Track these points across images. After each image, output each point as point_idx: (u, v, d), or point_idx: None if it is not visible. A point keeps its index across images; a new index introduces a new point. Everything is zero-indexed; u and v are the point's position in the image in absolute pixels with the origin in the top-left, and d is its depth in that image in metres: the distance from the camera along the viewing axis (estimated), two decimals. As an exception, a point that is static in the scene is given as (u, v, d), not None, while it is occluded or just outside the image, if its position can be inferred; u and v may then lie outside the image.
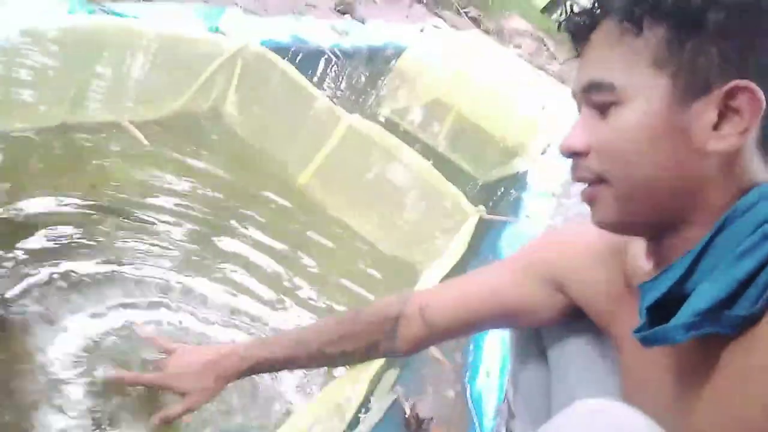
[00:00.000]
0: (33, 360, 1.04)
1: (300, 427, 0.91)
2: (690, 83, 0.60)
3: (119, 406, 1.03)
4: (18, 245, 1.24)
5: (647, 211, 0.65)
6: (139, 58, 1.85)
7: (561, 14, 0.72)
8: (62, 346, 1.08)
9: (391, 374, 1.40)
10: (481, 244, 2.19)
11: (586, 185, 0.68)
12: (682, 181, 0.62)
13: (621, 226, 0.69)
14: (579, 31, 0.68)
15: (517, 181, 3.12)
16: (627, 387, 0.80)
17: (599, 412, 0.61)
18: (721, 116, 0.59)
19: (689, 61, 0.60)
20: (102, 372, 1.06)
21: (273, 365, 0.98)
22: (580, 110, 0.68)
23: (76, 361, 1.07)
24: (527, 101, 3.75)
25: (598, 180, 0.66)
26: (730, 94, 0.58)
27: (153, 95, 1.91)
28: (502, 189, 3.09)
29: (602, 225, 0.69)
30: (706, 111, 0.60)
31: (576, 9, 0.69)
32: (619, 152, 0.63)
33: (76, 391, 1.02)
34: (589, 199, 0.68)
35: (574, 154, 0.67)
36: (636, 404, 0.77)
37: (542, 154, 3.25)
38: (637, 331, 0.63)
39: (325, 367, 1.29)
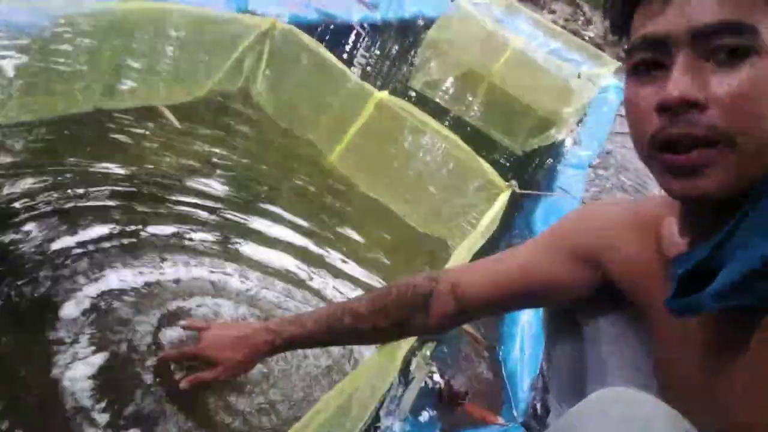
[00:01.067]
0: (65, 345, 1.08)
1: (336, 402, 0.92)
2: None
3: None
4: (56, 231, 1.28)
5: (755, 180, 0.56)
6: (170, 40, 1.86)
7: None
8: (91, 327, 1.11)
9: (428, 348, 1.41)
10: (515, 219, 2.17)
11: (685, 150, 0.58)
12: None
13: (730, 196, 0.58)
14: None
15: (553, 151, 3.07)
16: (659, 360, 0.79)
17: (618, 401, 0.61)
18: None
19: None
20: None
21: (305, 341, 0.99)
22: (672, 55, 0.58)
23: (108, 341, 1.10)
24: (562, 69, 3.66)
25: (716, 139, 0.56)
26: None
27: (184, 77, 1.93)
28: (537, 160, 3.05)
29: (708, 196, 0.58)
30: None
31: None
32: (754, 107, 0.55)
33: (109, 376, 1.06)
34: (704, 162, 0.57)
35: (690, 106, 0.56)
36: (668, 377, 0.76)
37: (578, 124, 3.18)
38: (669, 301, 0.61)
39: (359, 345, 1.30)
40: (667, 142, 0.59)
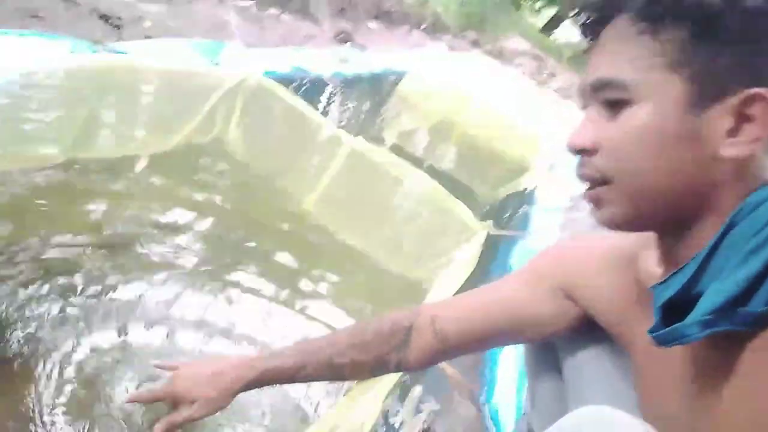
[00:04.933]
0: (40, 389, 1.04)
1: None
2: (705, 88, 0.59)
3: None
4: (28, 281, 1.26)
5: (653, 212, 0.64)
6: (142, 94, 1.88)
7: (569, 13, 0.74)
8: (72, 375, 1.10)
9: (416, 391, 1.39)
10: (491, 262, 2.17)
11: (588, 187, 0.67)
12: (691, 185, 0.61)
13: (627, 225, 0.68)
14: (589, 26, 0.67)
15: (525, 197, 3.10)
16: (642, 393, 0.78)
17: (594, 419, 0.61)
18: (736, 123, 0.59)
19: (706, 66, 0.59)
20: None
21: (281, 375, 0.96)
22: (585, 107, 0.67)
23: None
24: (530, 118, 3.76)
25: (603, 180, 0.64)
26: (746, 102, 0.58)
27: (157, 130, 1.94)
28: (511, 206, 3.08)
29: (609, 224, 0.67)
30: (721, 117, 0.59)
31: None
32: (627, 152, 0.62)
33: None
34: (594, 201, 0.67)
35: (582, 152, 0.65)
36: (652, 410, 0.75)
37: (549, 170, 3.24)
38: (652, 331, 0.62)
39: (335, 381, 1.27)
40: (580, 180, 0.68)
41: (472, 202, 2.92)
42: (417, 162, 3.16)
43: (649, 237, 0.74)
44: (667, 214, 0.64)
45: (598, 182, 0.65)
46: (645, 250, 0.76)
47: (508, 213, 2.99)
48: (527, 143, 3.63)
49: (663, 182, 0.62)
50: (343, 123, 3.19)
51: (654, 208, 0.64)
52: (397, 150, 3.20)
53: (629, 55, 0.62)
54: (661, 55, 0.60)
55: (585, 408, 0.64)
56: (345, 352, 0.93)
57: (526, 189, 3.18)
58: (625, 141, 0.62)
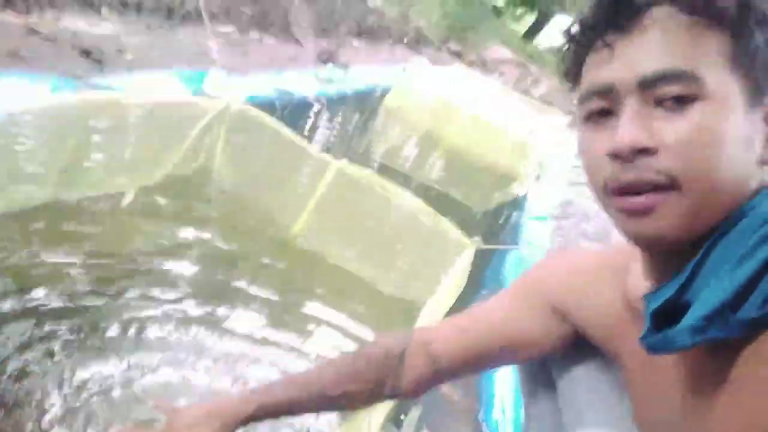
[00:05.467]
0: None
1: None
2: (757, 88, 0.57)
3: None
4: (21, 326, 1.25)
5: (709, 221, 0.57)
6: (126, 128, 1.88)
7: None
8: (71, 405, 1.11)
9: (414, 413, 1.38)
10: (485, 274, 2.17)
11: (638, 192, 0.58)
12: (741, 190, 0.57)
13: (676, 236, 0.59)
14: (618, 17, 0.60)
15: (516, 205, 3.12)
16: (636, 405, 0.78)
17: None
18: None
19: (762, 63, 0.57)
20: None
21: (276, 410, 0.95)
22: (618, 104, 0.60)
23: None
24: (515, 127, 3.79)
25: (667, 184, 0.57)
26: None
27: (142, 163, 1.93)
28: (503, 216, 3.09)
29: (656, 236, 0.59)
30: (762, 121, 0.57)
31: None
32: (699, 152, 0.56)
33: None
34: (651, 207, 0.58)
35: (640, 152, 0.58)
36: (647, 420, 0.75)
37: (537, 179, 3.26)
38: (643, 338, 0.61)
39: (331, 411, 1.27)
40: (620, 187, 0.59)
41: (462, 214, 2.94)
42: (405, 179, 3.17)
43: (635, 252, 0.73)
44: (711, 224, 0.57)
45: (658, 187, 0.58)
46: (632, 263, 0.76)
47: (499, 222, 3.00)
48: (514, 151, 3.65)
49: (728, 187, 0.57)
50: (330, 143, 3.20)
51: (710, 217, 0.57)
52: (385, 169, 3.21)
53: (689, 47, 0.57)
54: (719, 50, 0.57)
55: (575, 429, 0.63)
56: (338, 383, 0.92)
57: (515, 197, 3.19)
58: (696, 139, 0.56)
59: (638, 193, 0.58)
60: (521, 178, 3.44)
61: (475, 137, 3.84)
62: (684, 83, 0.57)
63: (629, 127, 0.58)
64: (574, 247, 2.48)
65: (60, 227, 1.63)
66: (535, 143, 3.61)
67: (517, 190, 3.31)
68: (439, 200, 3.00)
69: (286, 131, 1.99)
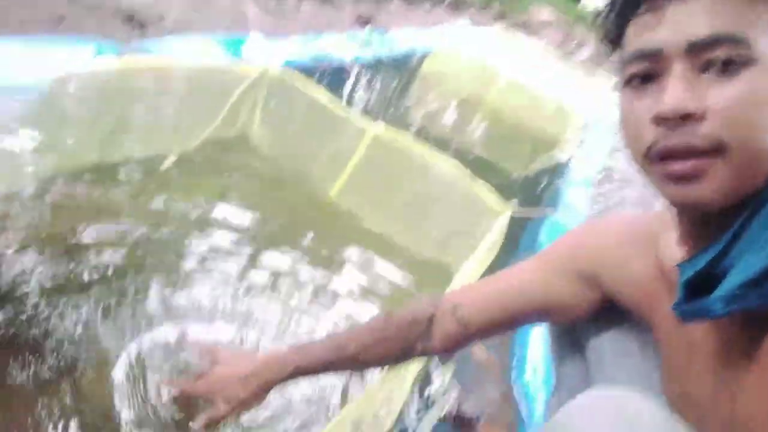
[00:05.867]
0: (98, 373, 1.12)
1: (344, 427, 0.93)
2: None
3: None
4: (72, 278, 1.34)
5: (752, 188, 0.57)
6: (167, 92, 1.92)
7: None
8: (120, 357, 1.19)
9: (446, 373, 1.41)
10: (520, 240, 2.16)
11: (684, 158, 0.58)
12: None
13: (723, 202, 0.59)
14: None
15: (556, 171, 3.07)
16: (665, 373, 0.78)
17: (608, 398, 0.60)
18: None
19: None
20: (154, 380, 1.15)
21: (311, 370, 1.00)
22: (664, 68, 0.59)
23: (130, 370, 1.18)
24: (558, 91, 3.70)
25: (715, 149, 0.57)
26: None
27: (183, 127, 1.98)
28: (542, 181, 3.05)
29: (705, 201, 0.59)
30: None
31: None
32: (750, 118, 0.56)
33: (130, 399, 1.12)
34: (697, 172, 0.58)
35: (686, 117, 0.57)
36: (675, 389, 0.75)
37: (579, 144, 3.19)
38: (676, 306, 0.61)
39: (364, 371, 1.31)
40: (665, 153, 0.59)
41: (501, 179, 2.92)
42: (444, 143, 3.15)
43: (669, 219, 0.73)
44: (752, 192, 0.57)
45: (705, 152, 0.57)
46: (665, 230, 0.75)
47: (538, 188, 2.96)
48: (557, 116, 3.57)
49: None
50: (368, 108, 3.19)
51: (755, 184, 0.57)
52: (424, 133, 3.19)
53: (739, 12, 0.56)
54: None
55: (597, 388, 0.64)
56: (370, 346, 0.95)
57: (556, 163, 3.14)
58: (745, 105, 0.56)
59: (683, 158, 0.58)
60: (563, 144, 3.37)
61: (517, 101, 3.77)
62: (733, 48, 0.56)
63: (676, 92, 0.57)
64: (614, 213, 2.44)
65: (104, 189, 1.70)
66: (578, 108, 3.52)
67: (558, 155, 3.25)
68: (478, 165, 2.97)
69: (324, 95, 2.00)
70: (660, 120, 0.58)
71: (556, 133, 3.48)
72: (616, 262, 0.82)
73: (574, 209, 2.36)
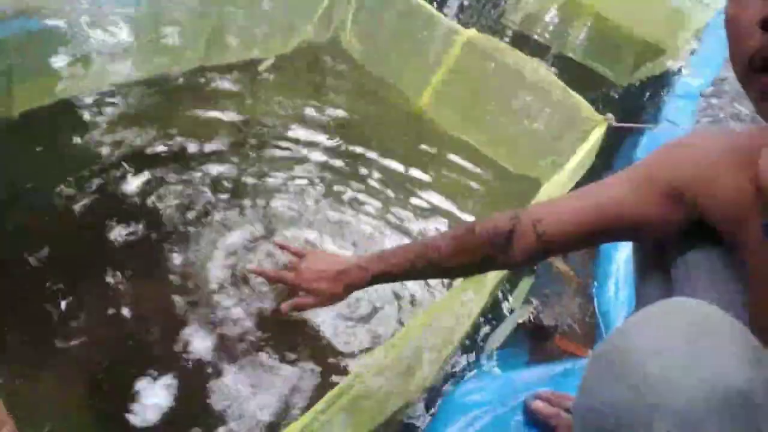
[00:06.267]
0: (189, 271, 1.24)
1: (417, 332, 0.99)
2: None
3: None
4: (171, 175, 1.45)
5: None
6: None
7: None
8: (214, 257, 1.30)
9: (526, 283, 1.43)
10: (616, 154, 2.08)
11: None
12: None
13: None
14: None
15: (662, 81, 2.86)
16: (753, 298, 0.77)
17: (682, 306, 0.61)
18: None
19: None
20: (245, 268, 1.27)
21: (393, 277, 1.05)
22: None
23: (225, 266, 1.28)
24: (674, -9, 3.37)
25: None
26: None
27: (277, 31, 2.00)
28: (648, 91, 2.86)
29: None
30: None
31: None
32: None
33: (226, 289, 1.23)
34: None
35: None
36: (761, 311, 0.74)
37: (691, 53, 2.93)
38: (766, 226, 0.60)
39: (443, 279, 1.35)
40: None
41: (603, 88, 2.77)
42: (542, 49, 3.00)
43: None
44: None
45: None
46: (765, 149, 0.72)
47: (642, 99, 2.79)
48: (669, 21, 3.28)
49: None
50: (462, 11, 3.07)
51: None
52: (522, 38, 3.05)
53: None
54: None
55: (672, 299, 0.65)
56: (451, 255, 0.98)
57: (663, 73, 2.92)
58: None
59: None
60: (674, 51, 3.11)
61: (625, 4, 3.48)
62: None
63: None
64: (722, 128, 2.28)
65: (204, 93, 1.78)
66: (692, 12, 3.21)
67: (666, 64, 3.01)
68: (577, 72, 2.83)
69: (419, 1, 1.95)
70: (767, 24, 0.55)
71: (666, 39, 3.21)
72: (710, 176, 0.79)
73: (678, 122, 2.22)
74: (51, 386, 1.01)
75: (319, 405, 0.81)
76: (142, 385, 1.04)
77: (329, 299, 1.09)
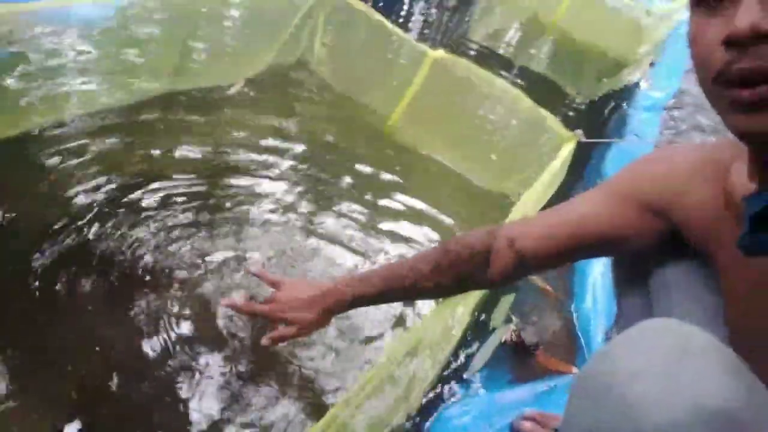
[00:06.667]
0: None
1: (402, 354, 0.97)
2: None
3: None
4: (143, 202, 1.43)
5: None
6: (229, 20, 1.92)
7: None
8: (185, 283, 1.26)
9: (506, 302, 1.43)
10: (585, 168, 2.11)
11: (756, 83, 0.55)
12: None
13: None
14: None
15: (625, 95, 2.93)
16: (729, 308, 0.78)
17: (662, 328, 0.61)
18: None
19: None
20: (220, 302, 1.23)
21: (372, 299, 1.03)
22: None
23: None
24: (630, 7, 3.47)
25: None
26: None
27: (244, 55, 1.99)
28: (609, 106, 2.93)
29: None
30: None
31: None
32: None
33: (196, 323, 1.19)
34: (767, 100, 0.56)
35: (758, 39, 0.54)
36: (739, 325, 0.75)
37: (651, 65, 3.00)
38: (740, 240, 0.60)
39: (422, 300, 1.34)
40: (734, 77, 0.56)
41: (566, 102, 2.82)
42: (507, 64, 3.04)
43: (742, 150, 0.70)
44: None
45: None
46: (736, 161, 0.73)
47: (605, 112, 2.85)
48: (628, 35, 3.37)
49: None
50: (426, 28, 3.10)
51: None
52: (486, 52, 3.09)
53: None
54: None
55: (652, 320, 0.65)
56: (428, 276, 0.97)
57: (626, 85, 2.99)
58: None
59: (753, 84, 0.55)
60: (634, 65, 3.19)
61: (586, 19, 3.56)
62: None
63: (752, 10, 0.54)
64: (686, 140, 2.33)
65: (174, 118, 1.76)
66: (652, 26, 3.30)
67: (628, 77, 3.09)
68: (542, 87, 2.88)
69: (384, 21, 1.96)
70: (730, 42, 0.55)
71: (626, 53, 3.30)
72: (683, 190, 0.79)
73: (643, 136, 2.26)
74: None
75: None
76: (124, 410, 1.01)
77: (309, 327, 1.06)
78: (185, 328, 1.19)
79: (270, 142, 1.79)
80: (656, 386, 0.55)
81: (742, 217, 0.61)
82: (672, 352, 0.58)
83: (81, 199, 1.38)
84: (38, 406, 1.00)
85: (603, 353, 0.63)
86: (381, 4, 2.29)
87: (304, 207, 1.59)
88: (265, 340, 1.06)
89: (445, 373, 1.23)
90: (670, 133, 2.39)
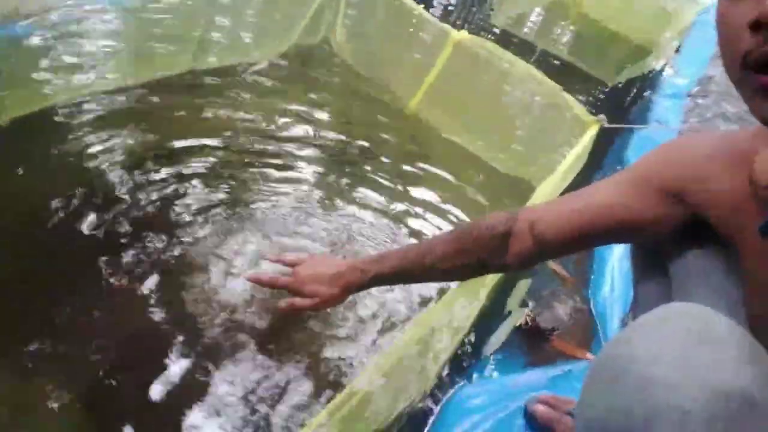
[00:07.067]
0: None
1: (418, 335, 0.98)
2: None
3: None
4: (163, 182, 1.44)
5: None
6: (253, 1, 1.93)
7: None
8: (207, 270, 1.27)
9: (524, 286, 1.43)
10: (607, 155, 2.09)
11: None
12: None
13: None
14: None
15: (649, 81, 2.89)
16: (750, 298, 0.77)
17: (681, 312, 0.61)
18: None
19: None
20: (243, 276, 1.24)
21: (390, 278, 1.05)
22: None
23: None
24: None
25: None
26: None
27: (267, 35, 1.99)
28: (632, 92, 2.89)
29: None
30: None
31: None
32: None
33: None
34: None
35: None
36: (757, 310, 0.75)
37: (677, 51, 2.95)
38: (763, 227, 0.60)
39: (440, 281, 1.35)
40: (761, 61, 0.56)
41: (589, 87, 2.78)
42: (529, 48, 3.01)
43: (766, 137, 0.70)
44: None
45: None
46: (762, 148, 0.72)
47: (629, 98, 2.81)
48: (655, 20, 3.31)
49: None
50: (449, 10, 3.08)
51: None
52: (508, 36, 3.06)
53: None
54: None
55: (673, 303, 0.65)
56: (446, 258, 0.98)
57: (649, 72, 2.94)
58: None
59: None
60: (659, 50, 3.13)
61: (610, 3, 3.50)
62: None
63: None
64: (710, 128, 2.30)
65: (195, 97, 1.77)
66: (678, 11, 3.24)
67: (652, 63, 3.04)
68: (565, 72, 2.85)
69: (408, 1, 1.95)
70: (758, 25, 0.55)
71: (652, 38, 3.24)
72: (705, 177, 0.79)
73: (666, 122, 2.24)
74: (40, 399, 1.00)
75: (322, 416, 0.80)
76: (132, 393, 1.03)
77: (326, 301, 1.08)
78: (203, 312, 1.21)
79: (292, 121, 1.80)
80: (674, 370, 0.56)
81: (765, 204, 0.60)
82: (691, 337, 0.58)
83: (100, 180, 1.40)
84: (66, 374, 1.02)
85: (622, 336, 0.63)
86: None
87: (324, 190, 1.60)
88: (282, 303, 1.09)
89: (460, 353, 1.25)
90: (694, 120, 2.35)
